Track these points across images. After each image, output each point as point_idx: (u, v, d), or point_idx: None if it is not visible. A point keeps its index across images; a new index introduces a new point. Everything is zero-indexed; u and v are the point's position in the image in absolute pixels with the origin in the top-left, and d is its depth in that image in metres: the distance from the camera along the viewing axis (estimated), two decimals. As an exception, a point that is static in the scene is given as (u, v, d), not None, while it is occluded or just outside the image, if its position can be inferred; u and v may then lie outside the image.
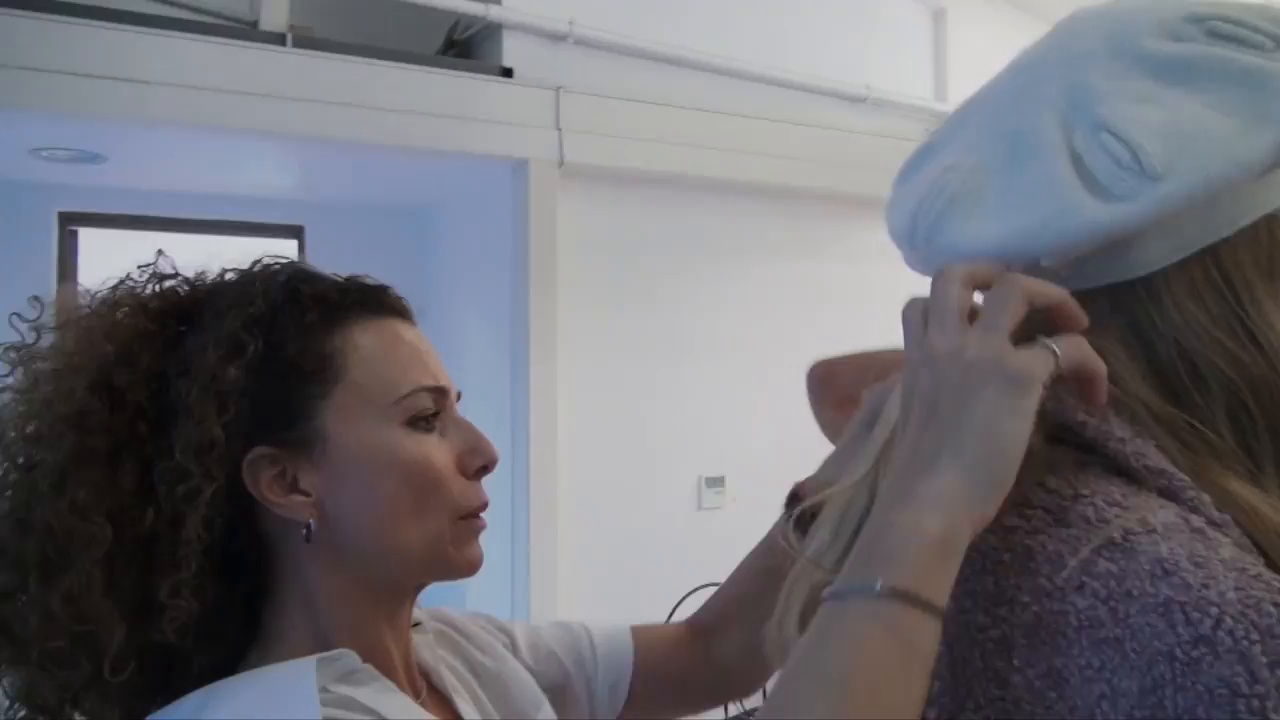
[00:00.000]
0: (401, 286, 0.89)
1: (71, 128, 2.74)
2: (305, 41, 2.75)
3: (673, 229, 3.33)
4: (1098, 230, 0.53)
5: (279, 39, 2.72)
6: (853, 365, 2.00)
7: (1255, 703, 0.43)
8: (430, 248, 3.97)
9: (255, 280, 0.79)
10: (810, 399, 1.98)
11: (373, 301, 0.81)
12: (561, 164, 3.04)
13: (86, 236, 3.54)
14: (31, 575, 0.67)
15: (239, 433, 0.72)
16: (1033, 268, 0.55)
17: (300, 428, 0.74)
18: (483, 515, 0.81)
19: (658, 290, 3.30)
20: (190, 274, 0.81)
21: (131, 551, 0.69)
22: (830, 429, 1.96)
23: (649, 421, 3.26)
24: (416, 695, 0.79)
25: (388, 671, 0.75)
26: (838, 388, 1.96)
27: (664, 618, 3.03)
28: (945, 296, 0.55)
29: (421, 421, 0.78)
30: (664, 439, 3.24)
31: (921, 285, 0.59)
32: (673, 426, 3.26)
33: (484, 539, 0.83)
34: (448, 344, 3.68)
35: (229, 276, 0.81)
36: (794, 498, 0.99)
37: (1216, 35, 0.56)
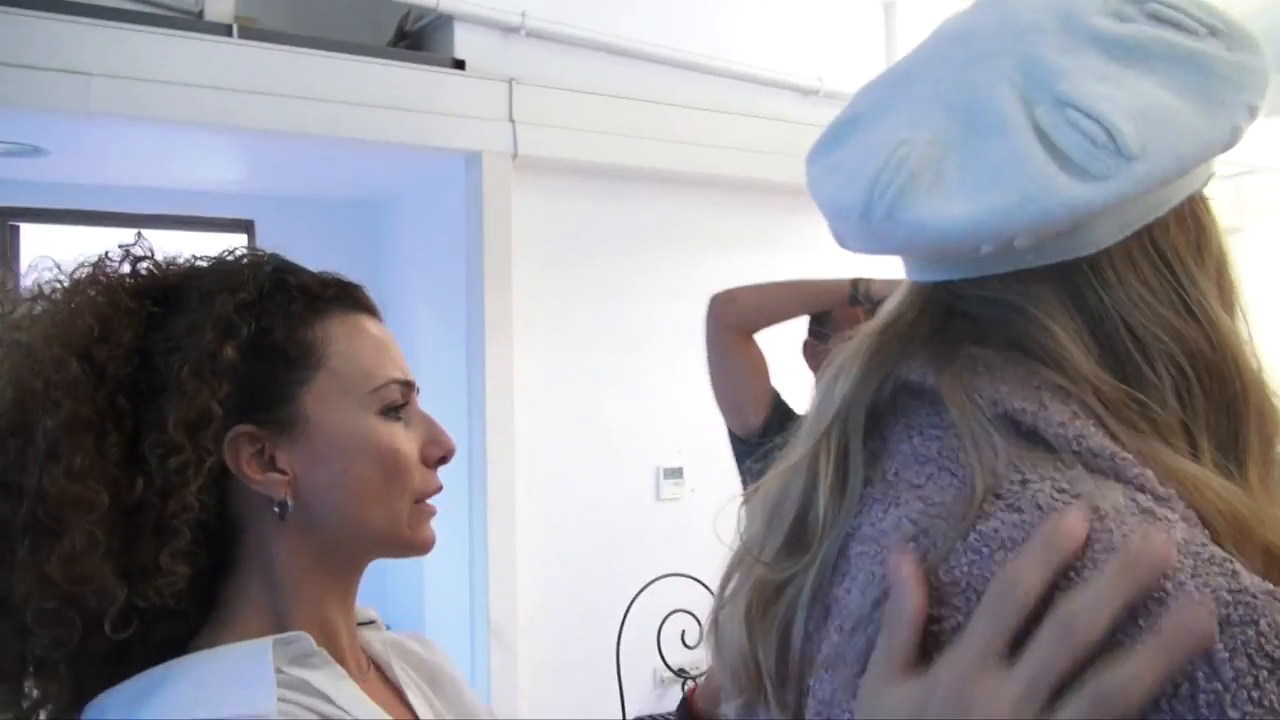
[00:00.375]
0: (359, 276, 0.91)
1: (11, 121, 2.67)
2: (252, 33, 2.71)
3: (628, 221, 3.34)
4: (1078, 209, 0.52)
5: (225, 30, 2.67)
6: (751, 293, 2.06)
7: (1213, 696, 0.43)
8: (383, 241, 3.93)
9: (244, 268, 0.82)
10: (708, 319, 2.03)
11: (348, 297, 0.86)
12: (515, 156, 3.03)
13: (28, 232, 3.45)
14: (21, 540, 0.68)
15: (226, 410, 0.75)
16: (1005, 248, 0.54)
17: (282, 409, 0.78)
18: (432, 500, 0.87)
19: (614, 282, 3.31)
20: (160, 259, 0.83)
21: (115, 520, 0.70)
22: (717, 347, 2.01)
23: (606, 413, 3.26)
24: (362, 673, 0.83)
25: (336, 648, 0.79)
26: (735, 312, 2.02)
27: (623, 610, 3.05)
28: (1050, 662, 0.46)
29: (392, 411, 0.83)
30: (622, 431, 3.25)
31: (864, 264, 0.58)
32: (630, 418, 3.27)
33: (442, 532, 0.88)
34: (403, 337, 3.63)
35: (199, 264, 0.84)
36: (684, 705, 0.98)
37: (1157, 18, 0.57)
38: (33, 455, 0.68)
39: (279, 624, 0.75)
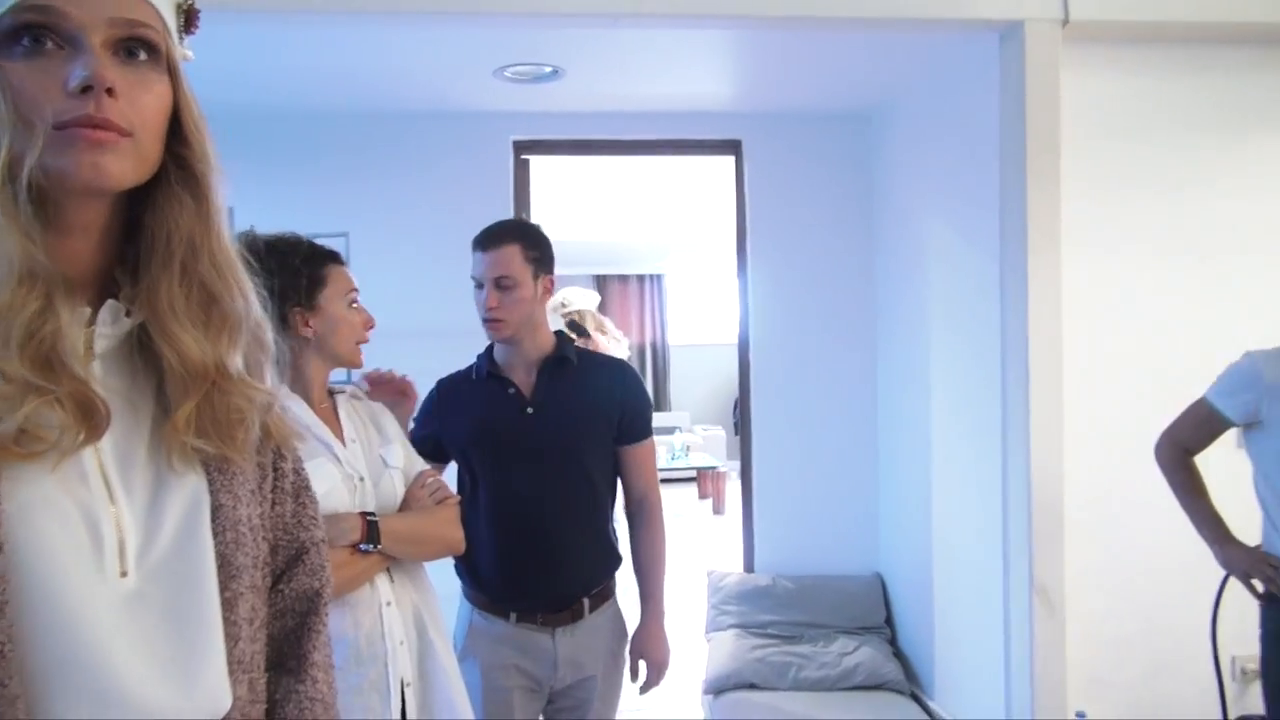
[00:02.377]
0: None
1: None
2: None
3: (1209, 97, 2.65)
4: None
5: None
6: None
7: None
8: (875, 154, 3.57)
9: None
10: None
11: None
12: (1066, 23, 2.50)
13: (535, 164, 3.55)
14: None
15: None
16: None
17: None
18: None
19: (1188, 174, 2.65)
20: None
21: None
22: None
23: (1177, 340, 2.64)
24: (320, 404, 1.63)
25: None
26: None
27: (1209, 579, 2.39)
28: None
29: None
30: (1195, 363, 2.58)
31: None
32: (1207, 346, 2.59)
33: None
34: (909, 256, 3.28)
35: None
36: None
37: None
38: None
39: None
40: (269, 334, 0.80)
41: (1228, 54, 2.65)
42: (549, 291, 1.96)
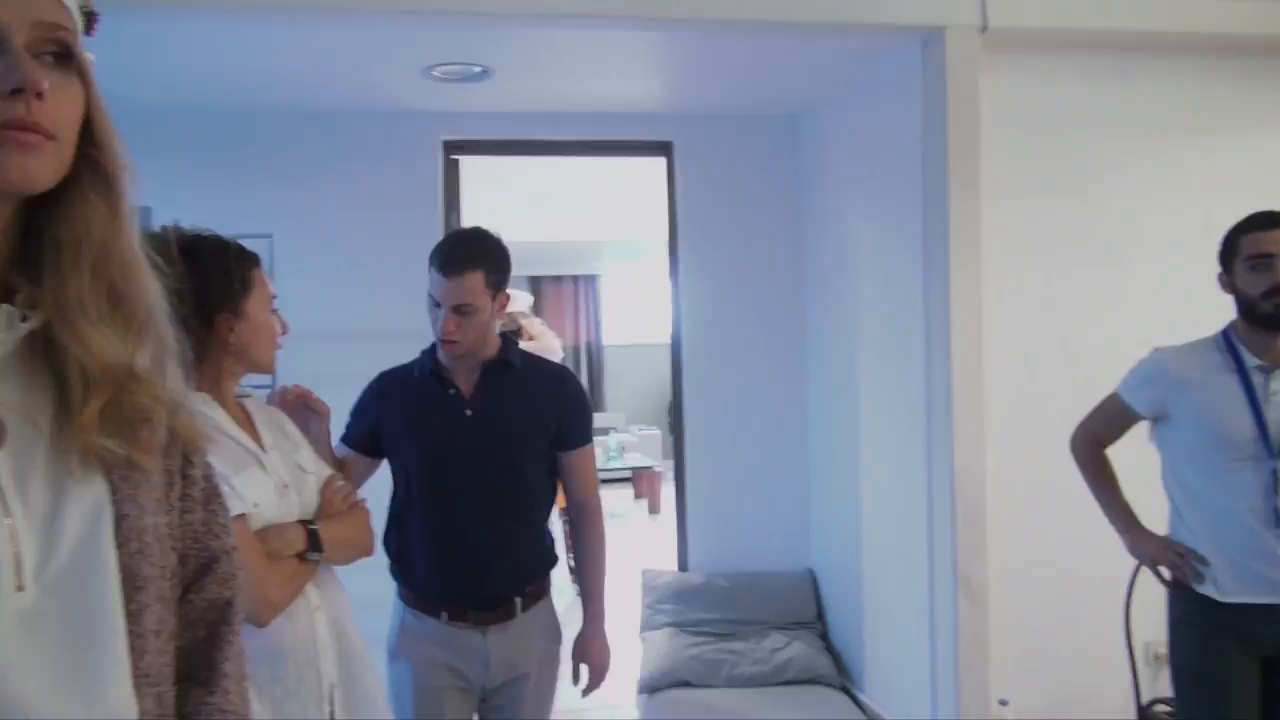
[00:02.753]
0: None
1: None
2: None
3: (1122, 103, 2.75)
4: None
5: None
6: None
7: None
8: (802, 156, 3.62)
9: None
10: None
11: None
12: (985, 30, 2.57)
13: (466, 164, 3.52)
14: None
15: None
16: None
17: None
18: None
19: (1099, 179, 2.75)
20: None
21: None
22: None
23: (1088, 341, 2.73)
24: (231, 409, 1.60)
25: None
26: None
27: (1121, 572, 2.48)
28: None
29: None
30: (1107, 363, 2.66)
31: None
32: (1117, 347, 2.68)
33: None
34: (834, 256, 3.34)
35: None
36: None
37: None
38: None
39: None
40: (171, 334, 0.79)
41: (1144, 61, 2.74)
42: (504, 307, 1.94)
